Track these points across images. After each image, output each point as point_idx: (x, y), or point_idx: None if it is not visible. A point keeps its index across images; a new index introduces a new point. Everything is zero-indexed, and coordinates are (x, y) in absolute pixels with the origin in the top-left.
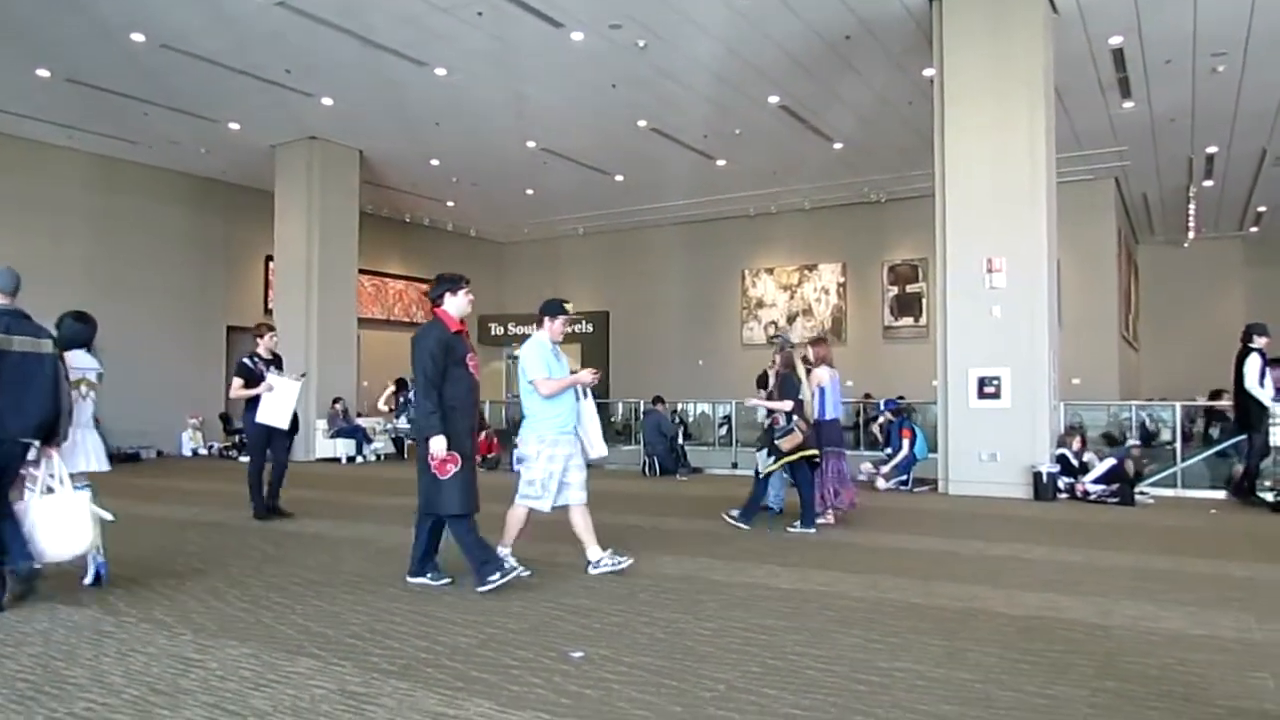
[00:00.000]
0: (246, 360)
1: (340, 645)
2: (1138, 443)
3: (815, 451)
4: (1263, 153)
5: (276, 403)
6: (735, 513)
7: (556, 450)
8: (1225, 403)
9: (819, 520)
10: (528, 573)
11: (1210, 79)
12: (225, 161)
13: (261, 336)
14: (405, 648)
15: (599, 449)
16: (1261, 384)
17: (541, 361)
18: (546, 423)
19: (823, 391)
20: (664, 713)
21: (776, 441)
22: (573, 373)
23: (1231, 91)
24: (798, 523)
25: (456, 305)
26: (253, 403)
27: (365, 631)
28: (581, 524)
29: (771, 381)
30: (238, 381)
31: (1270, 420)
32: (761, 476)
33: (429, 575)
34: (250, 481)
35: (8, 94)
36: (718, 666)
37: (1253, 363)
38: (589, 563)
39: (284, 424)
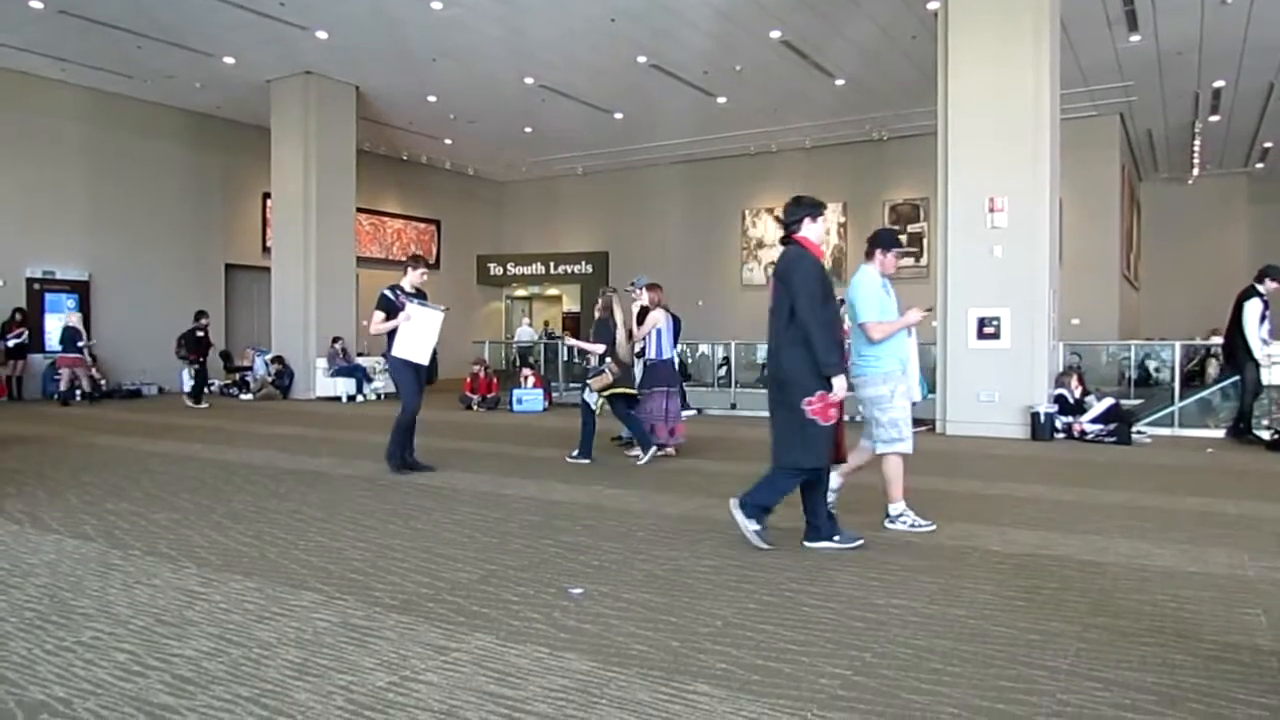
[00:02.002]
0: (388, 291)
1: (343, 580)
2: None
3: (633, 391)
4: (1270, 87)
5: (417, 335)
6: (575, 453)
7: (901, 387)
8: (1217, 340)
9: (660, 453)
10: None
11: (1219, 11)
12: (221, 97)
13: (413, 269)
14: (406, 583)
15: (915, 392)
16: (1260, 329)
17: (875, 302)
18: (890, 359)
19: (659, 333)
20: (662, 647)
21: (588, 381)
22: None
23: (1240, 24)
24: (638, 451)
25: (817, 232)
26: (394, 338)
27: (367, 567)
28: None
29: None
30: (378, 315)
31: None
32: (593, 413)
33: (836, 538)
34: (400, 426)
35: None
36: (715, 603)
37: (1253, 306)
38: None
39: (425, 359)
